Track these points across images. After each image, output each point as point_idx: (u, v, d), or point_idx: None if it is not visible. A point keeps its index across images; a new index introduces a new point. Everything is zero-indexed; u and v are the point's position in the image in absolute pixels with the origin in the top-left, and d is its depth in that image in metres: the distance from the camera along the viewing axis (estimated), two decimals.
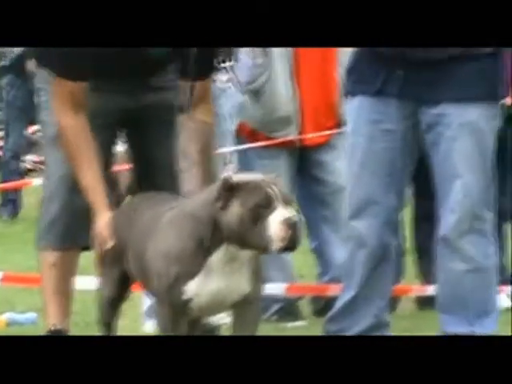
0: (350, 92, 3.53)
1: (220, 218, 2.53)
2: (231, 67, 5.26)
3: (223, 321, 3.51)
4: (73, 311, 3.54)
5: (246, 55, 4.66)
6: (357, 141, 3.43)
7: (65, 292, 3.44)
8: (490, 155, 3.34)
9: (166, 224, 2.73)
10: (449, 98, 3.25)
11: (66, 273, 3.45)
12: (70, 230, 3.39)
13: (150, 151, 3.39)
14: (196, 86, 3.21)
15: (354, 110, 3.46)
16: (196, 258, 2.60)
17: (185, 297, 2.58)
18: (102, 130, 3.25)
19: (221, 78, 5.48)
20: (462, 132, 3.25)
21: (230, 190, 2.51)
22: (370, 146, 3.36)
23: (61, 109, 3.16)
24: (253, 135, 4.75)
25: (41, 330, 3.51)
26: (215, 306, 2.74)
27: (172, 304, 2.63)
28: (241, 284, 2.64)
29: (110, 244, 2.95)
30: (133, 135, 3.47)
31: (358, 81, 3.45)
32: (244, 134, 4.81)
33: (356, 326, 3.32)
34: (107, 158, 3.35)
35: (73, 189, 3.23)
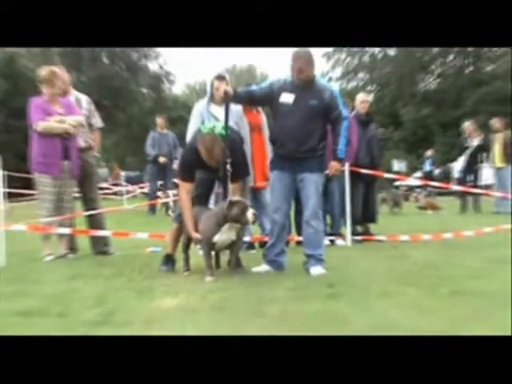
0: (271, 169, 6.92)
1: (227, 213, 6.14)
2: None
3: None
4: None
5: None
6: (274, 183, 6.85)
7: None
8: (320, 191, 6.72)
9: (207, 214, 6.40)
10: (306, 171, 6.62)
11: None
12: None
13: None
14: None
15: (273, 174, 6.86)
16: (217, 227, 6.22)
17: (213, 241, 6.24)
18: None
19: None
20: (311, 183, 6.64)
21: (232, 203, 6.16)
22: (278, 185, 6.78)
23: (182, 192, 6.66)
24: None
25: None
26: (224, 244, 6.35)
27: (208, 243, 6.28)
28: (233, 236, 6.30)
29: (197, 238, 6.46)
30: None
31: (273, 165, 6.90)
32: None
33: (274, 252, 6.80)
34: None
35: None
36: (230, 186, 6.55)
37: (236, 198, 6.25)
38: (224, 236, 6.22)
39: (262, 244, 8.39)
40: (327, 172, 6.90)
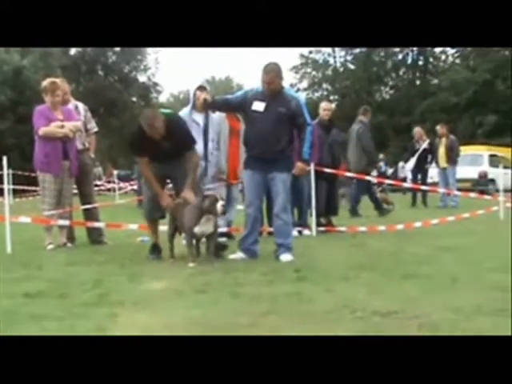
0: (245, 168, 6.93)
1: (203, 206, 6.11)
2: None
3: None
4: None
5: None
6: (247, 181, 6.89)
7: None
8: (288, 188, 6.76)
9: (188, 208, 6.29)
10: (275, 170, 6.64)
11: None
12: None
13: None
14: None
15: (246, 172, 6.89)
16: (197, 219, 6.15)
17: (194, 231, 6.19)
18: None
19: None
20: (280, 181, 6.67)
21: (204, 197, 6.22)
22: (250, 182, 6.79)
23: (142, 166, 6.77)
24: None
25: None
26: (203, 234, 6.27)
27: (190, 234, 6.27)
28: (210, 227, 6.23)
29: (169, 205, 6.59)
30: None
31: (246, 165, 6.92)
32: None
33: (248, 241, 6.76)
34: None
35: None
36: (189, 182, 6.54)
37: (209, 192, 6.42)
38: (203, 227, 6.20)
39: (227, 235, 8.44)
40: (294, 171, 6.95)
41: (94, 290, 4.81)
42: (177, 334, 3.48)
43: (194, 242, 6.46)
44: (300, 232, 9.29)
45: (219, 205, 6.09)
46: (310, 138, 6.76)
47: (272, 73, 6.57)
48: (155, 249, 6.88)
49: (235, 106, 6.95)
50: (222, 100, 7.06)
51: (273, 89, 6.59)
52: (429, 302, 4.20)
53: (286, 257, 6.51)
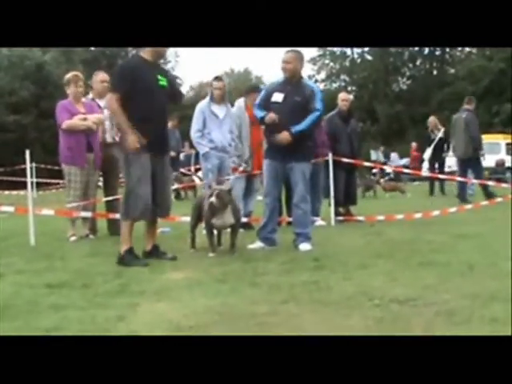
0: (265, 157, 6.96)
1: (213, 204, 6.08)
2: None
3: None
4: None
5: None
6: (266, 171, 6.87)
7: None
8: (307, 178, 6.76)
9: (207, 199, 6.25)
10: (295, 160, 6.63)
11: None
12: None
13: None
14: None
15: (266, 162, 6.87)
16: (213, 211, 6.14)
17: (213, 223, 6.23)
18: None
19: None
20: (298, 171, 6.67)
21: (211, 195, 6.12)
22: (269, 172, 6.81)
23: (112, 101, 5.79)
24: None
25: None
26: (223, 226, 6.37)
27: (208, 225, 6.27)
28: (230, 218, 6.22)
29: (136, 144, 5.64)
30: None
31: (267, 154, 6.97)
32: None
33: (266, 230, 6.78)
34: None
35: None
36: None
37: (216, 187, 6.33)
38: (221, 219, 6.19)
39: (247, 225, 8.49)
40: (314, 161, 6.92)
41: (115, 281, 4.83)
42: (196, 323, 3.49)
43: (216, 232, 6.51)
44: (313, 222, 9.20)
45: (212, 199, 6.05)
46: (312, 119, 6.63)
47: (291, 53, 6.59)
48: (130, 254, 5.81)
49: (265, 106, 6.77)
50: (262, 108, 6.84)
51: (291, 70, 6.60)
52: (445, 289, 4.17)
53: (305, 246, 6.50)
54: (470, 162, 13.00)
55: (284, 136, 6.52)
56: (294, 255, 5.99)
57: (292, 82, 6.66)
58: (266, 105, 6.74)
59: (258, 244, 6.73)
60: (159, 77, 5.89)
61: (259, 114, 6.78)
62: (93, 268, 5.46)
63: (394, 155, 30.64)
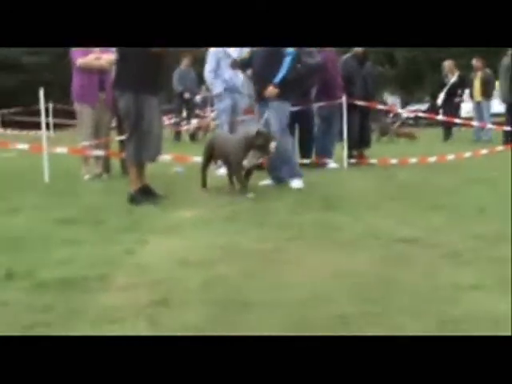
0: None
1: (253, 141, 5.98)
2: None
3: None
4: None
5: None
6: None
7: None
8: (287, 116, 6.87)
9: (236, 139, 6.28)
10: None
11: None
12: None
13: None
14: None
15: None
16: (245, 152, 6.00)
17: (243, 164, 6.02)
18: None
19: None
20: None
21: (258, 133, 5.97)
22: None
23: None
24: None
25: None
26: (249, 167, 6.07)
27: (238, 166, 6.07)
28: (257, 160, 6.09)
29: None
30: None
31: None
32: None
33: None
34: None
35: None
36: None
37: (263, 129, 6.16)
38: (251, 160, 6.07)
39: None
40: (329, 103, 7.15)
41: (126, 218, 4.88)
42: (203, 258, 3.53)
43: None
44: (325, 164, 9.19)
45: (273, 145, 5.97)
46: (288, 64, 6.67)
47: None
48: (147, 192, 5.80)
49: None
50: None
51: None
52: (454, 231, 4.18)
53: (296, 183, 6.67)
54: None
55: (271, 91, 6.57)
56: (304, 196, 5.99)
57: None
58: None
59: (268, 181, 6.80)
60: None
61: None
62: (104, 205, 5.50)
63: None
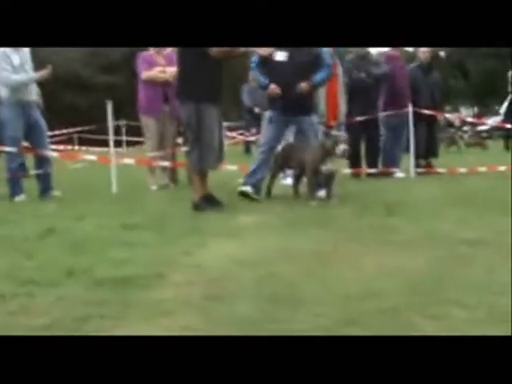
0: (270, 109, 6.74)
1: (325, 145, 5.94)
2: None
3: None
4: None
5: None
6: (271, 122, 6.61)
7: None
8: (316, 130, 6.65)
9: (313, 146, 6.15)
10: (301, 114, 6.49)
11: None
12: None
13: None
14: None
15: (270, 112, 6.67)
16: (323, 158, 5.91)
17: (320, 170, 5.95)
18: None
19: None
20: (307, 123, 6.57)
21: (327, 135, 6.36)
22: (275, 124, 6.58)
23: None
24: None
25: None
26: (329, 173, 5.97)
27: (314, 173, 6.00)
28: (334, 167, 5.96)
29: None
30: None
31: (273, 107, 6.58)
32: None
33: (254, 177, 6.45)
34: None
35: None
36: None
37: (333, 132, 6.16)
38: (329, 166, 5.99)
39: None
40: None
41: (188, 223, 4.93)
42: (259, 259, 3.55)
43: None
44: (392, 173, 9.08)
45: (341, 147, 5.86)
46: (326, 74, 6.56)
47: None
48: (211, 200, 5.78)
49: (265, 65, 6.55)
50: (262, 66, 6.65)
51: None
52: None
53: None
54: None
55: (304, 86, 6.31)
56: (366, 202, 5.93)
57: None
58: (267, 64, 6.50)
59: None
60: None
61: (262, 80, 6.58)
62: (168, 213, 5.56)
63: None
